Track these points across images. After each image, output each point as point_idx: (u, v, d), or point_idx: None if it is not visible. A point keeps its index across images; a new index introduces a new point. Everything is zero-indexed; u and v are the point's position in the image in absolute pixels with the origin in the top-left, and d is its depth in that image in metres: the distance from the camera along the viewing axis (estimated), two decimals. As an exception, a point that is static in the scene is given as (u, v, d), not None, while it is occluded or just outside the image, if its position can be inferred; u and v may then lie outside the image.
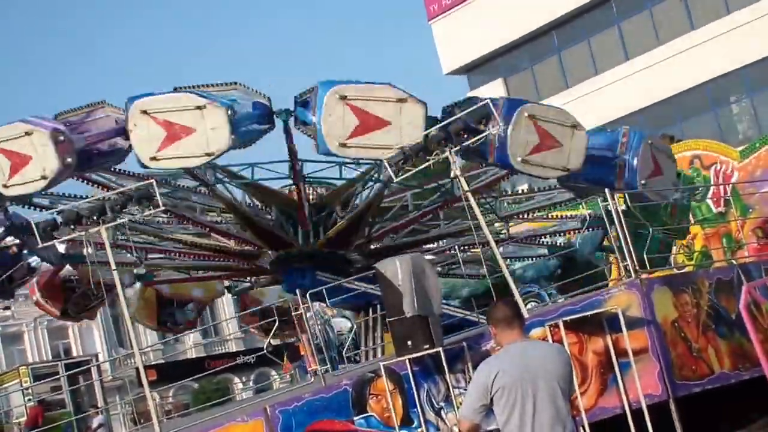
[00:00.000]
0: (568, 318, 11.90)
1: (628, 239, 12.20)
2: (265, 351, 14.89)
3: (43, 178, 13.25)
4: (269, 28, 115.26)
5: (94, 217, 13.34)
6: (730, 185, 14.64)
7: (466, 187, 13.04)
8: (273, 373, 20.88)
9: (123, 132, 13.51)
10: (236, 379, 21.93)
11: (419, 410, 12.23)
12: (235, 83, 13.66)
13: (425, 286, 12.24)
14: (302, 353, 16.77)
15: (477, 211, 13.03)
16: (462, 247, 16.96)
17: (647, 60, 36.68)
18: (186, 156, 13.13)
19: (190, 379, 16.67)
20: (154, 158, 13.12)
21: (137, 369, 14.17)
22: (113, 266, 13.78)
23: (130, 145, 13.58)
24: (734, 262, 14.14)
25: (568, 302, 13.04)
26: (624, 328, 11.72)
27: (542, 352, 6.64)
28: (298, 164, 15.27)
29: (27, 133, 13.16)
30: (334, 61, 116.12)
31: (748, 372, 12.36)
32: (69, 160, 13.16)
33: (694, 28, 36.23)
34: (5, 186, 13.55)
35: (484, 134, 12.75)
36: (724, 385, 12.25)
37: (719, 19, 35.27)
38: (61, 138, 13.14)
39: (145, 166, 13.58)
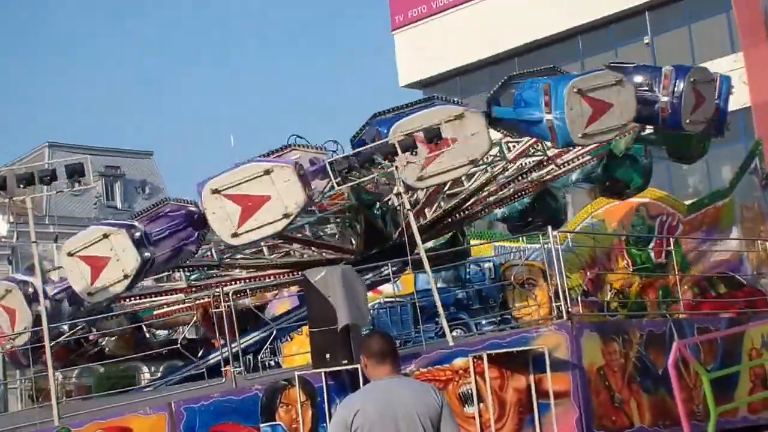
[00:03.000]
0: (493, 351, 11.65)
1: (564, 280, 11.99)
2: (179, 345, 14.43)
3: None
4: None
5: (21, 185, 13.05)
6: (673, 238, 14.56)
7: (408, 206, 12.77)
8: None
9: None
10: (145, 368, 21.41)
11: (328, 425, 11.88)
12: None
13: (355, 299, 11.96)
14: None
15: (415, 229, 12.79)
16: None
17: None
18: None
19: (98, 363, 16.17)
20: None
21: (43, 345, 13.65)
22: (33, 238, 13.64)
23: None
24: (668, 316, 14.00)
25: (494, 335, 12.81)
26: (548, 369, 11.49)
27: (409, 391, 6.33)
28: None
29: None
30: (293, 61, 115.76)
31: (668, 430, 12.20)
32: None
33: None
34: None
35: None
36: (642, 439, 12.08)
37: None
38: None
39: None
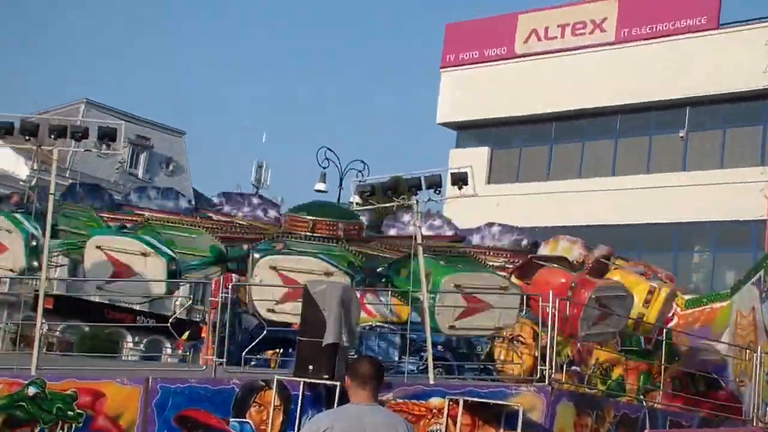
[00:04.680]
0: (470, 399, 11.81)
1: (555, 344, 12.17)
2: (168, 324, 14.58)
3: None
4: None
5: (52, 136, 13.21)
6: (666, 329, 14.75)
7: (419, 240, 12.99)
8: (167, 344, 20.48)
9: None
10: (129, 338, 21.48)
11: (295, 433, 12.03)
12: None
13: (348, 317, 12.13)
14: (203, 335, 16.49)
15: (421, 261, 13.00)
16: None
17: (630, 182, 37.03)
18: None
19: (87, 324, 16.29)
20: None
21: (36, 293, 13.80)
22: (51, 189, 13.70)
23: None
24: (644, 402, 14.13)
25: (475, 383, 12.98)
26: (519, 428, 11.62)
27: (380, 420, 6.52)
28: None
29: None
30: (340, 78, 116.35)
31: None
32: None
33: (686, 169, 36.67)
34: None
35: None
36: None
37: (713, 169, 35.77)
38: None
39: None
